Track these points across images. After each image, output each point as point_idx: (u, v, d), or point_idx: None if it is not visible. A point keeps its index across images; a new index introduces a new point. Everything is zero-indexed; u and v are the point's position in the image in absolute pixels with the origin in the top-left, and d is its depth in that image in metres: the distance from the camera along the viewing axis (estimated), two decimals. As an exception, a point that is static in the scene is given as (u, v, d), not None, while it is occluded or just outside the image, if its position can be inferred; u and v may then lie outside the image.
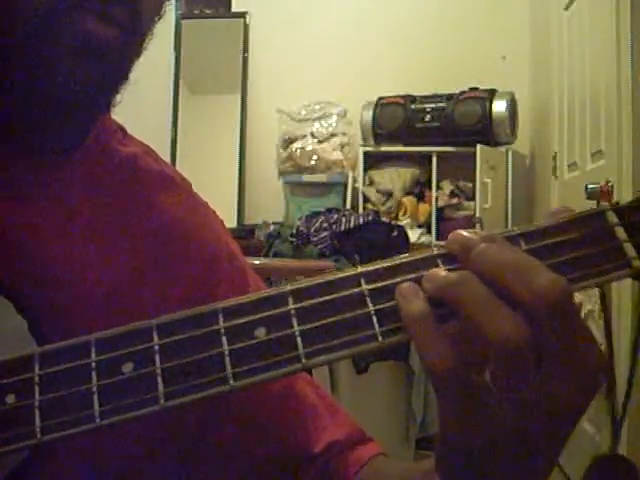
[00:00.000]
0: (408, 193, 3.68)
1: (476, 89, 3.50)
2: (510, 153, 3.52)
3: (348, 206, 3.62)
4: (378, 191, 3.68)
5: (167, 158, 3.85)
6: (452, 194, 3.63)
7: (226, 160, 3.93)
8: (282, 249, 3.01)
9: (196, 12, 4.22)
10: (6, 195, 0.56)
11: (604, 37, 2.45)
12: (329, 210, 3.10)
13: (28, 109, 0.55)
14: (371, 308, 0.41)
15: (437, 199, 3.62)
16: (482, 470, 0.44)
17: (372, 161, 3.74)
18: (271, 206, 3.87)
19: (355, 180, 3.73)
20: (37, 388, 0.39)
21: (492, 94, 3.45)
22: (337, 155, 3.72)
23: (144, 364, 0.40)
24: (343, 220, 2.96)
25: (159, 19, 0.58)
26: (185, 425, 0.62)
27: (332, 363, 0.39)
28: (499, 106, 3.41)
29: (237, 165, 3.93)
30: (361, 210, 3.56)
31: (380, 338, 0.40)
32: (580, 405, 0.41)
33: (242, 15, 4.05)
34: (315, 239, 2.93)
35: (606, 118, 2.48)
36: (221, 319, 0.41)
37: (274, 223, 3.52)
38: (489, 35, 3.81)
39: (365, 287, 0.41)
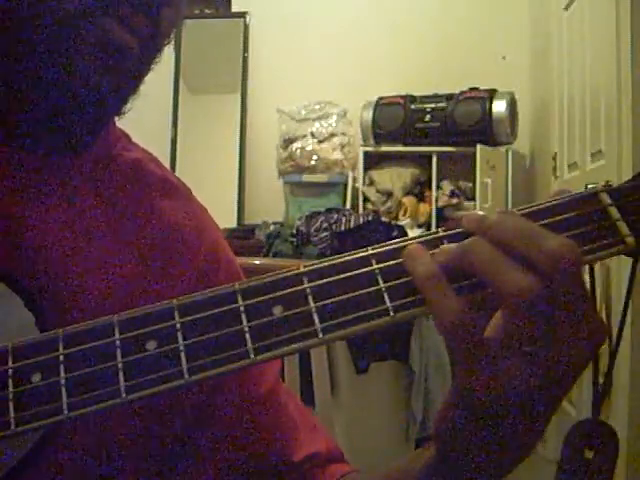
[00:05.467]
0: (408, 193, 3.68)
1: (476, 89, 3.51)
2: (510, 153, 3.52)
3: (348, 206, 3.61)
4: (378, 191, 3.68)
5: (167, 158, 3.86)
6: (452, 194, 3.63)
7: (226, 160, 3.93)
8: (282, 249, 3.01)
9: (196, 12, 4.23)
10: (16, 193, 0.57)
11: (604, 37, 2.46)
12: (329, 210, 3.10)
13: (41, 106, 0.56)
14: (382, 285, 0.43)
15: (437, 199, 3.62)
16: (485, 431, 0.46)
17: (372, 161, 3.75)
18: (271, 206, 3.87)
19: (355, 180, 3.74)
20: (62, 367, 0.41)
21: (492, 94, 3.45)
22: (337, 155, 3.72)
23: (167, 341, 0.41)
24: (343, 220, 2.96)
25: (168, 43, 0.61)
26: (170, 428, 0.64)
27: (348, 337, 0.41)
28: (499, 106, 3.41)
29: (237, 165, 3.94)
30: (361, 210, 3.57)
31: (392, 313, 0.42)
32: (583, 360, 0.43)
33: (242, 15, 4.06)
34: (315, 239, 2.93)
35: (606, 118, 2.49)
36: (240, 298, 0.42)
37: (274, 223, 3.52)
38: (489, 35, 3.82)
39: (376, 266, 0.44)
